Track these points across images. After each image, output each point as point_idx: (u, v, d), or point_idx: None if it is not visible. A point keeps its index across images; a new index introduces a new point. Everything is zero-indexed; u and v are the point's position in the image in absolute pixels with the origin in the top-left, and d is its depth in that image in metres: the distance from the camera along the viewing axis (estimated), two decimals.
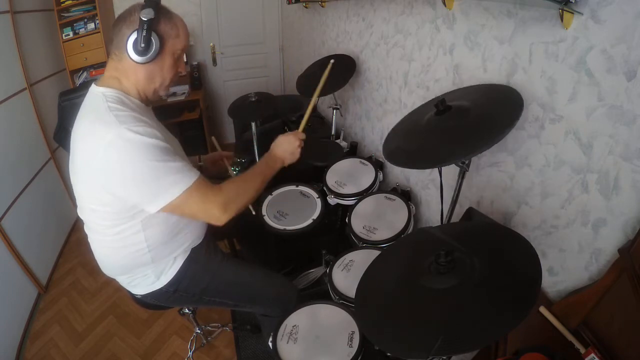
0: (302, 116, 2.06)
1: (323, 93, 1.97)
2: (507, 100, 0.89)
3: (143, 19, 0.87)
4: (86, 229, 1.05)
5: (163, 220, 1.00)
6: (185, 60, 1.37)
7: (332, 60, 1.52)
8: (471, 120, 0.88)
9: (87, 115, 0.92)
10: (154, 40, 0.90)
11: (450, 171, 1.04)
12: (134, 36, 0.89)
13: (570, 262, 0.93)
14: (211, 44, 3.27)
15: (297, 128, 1.24)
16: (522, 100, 0.85)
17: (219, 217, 0.97)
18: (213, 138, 1.52)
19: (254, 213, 1.34)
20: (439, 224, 1.17)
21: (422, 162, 0.99)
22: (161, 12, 0.92)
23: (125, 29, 0.91)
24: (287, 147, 1.15)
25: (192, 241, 1.11)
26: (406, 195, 1.52)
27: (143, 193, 0.89)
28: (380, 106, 1.78)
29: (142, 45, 0.88)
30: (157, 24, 0.90)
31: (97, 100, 0.90)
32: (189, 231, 1.09)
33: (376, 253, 0.98)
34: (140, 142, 0.85)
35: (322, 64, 1.91)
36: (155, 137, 0.88)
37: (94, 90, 0.93)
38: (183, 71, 1.03)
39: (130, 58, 0.90)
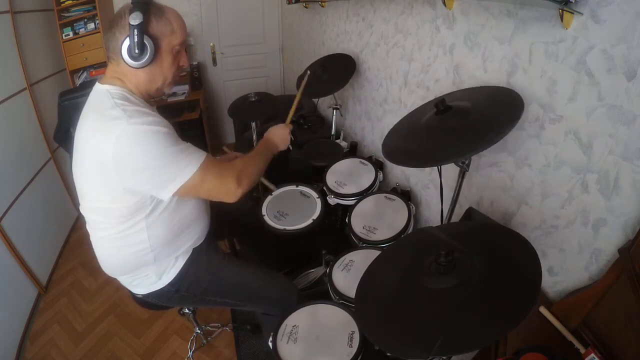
0: (302, 116, 2.09)
1: (317, 94, 1.99)
2: (508, 101, 0.89)
3: (132, 24, 0.84)
4: (88, 228, 1.04)
5: (167, 219, 1.00)
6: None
7: (308, 72, 1.63)
8: (471, 121, 0.88)
9: (92, 112, 0.91)
10: (148, 43, 0.88)
11: (450, 171, 1.04)
12: (126, 42, 0.87)
13: (570, 262, 0.93)
14: (211, 44, 3.27)
15: (297, 127, 1.25)
16: (522, 102, 0.85)
17: (235, 191, 0.98)
18: (224, 147, 1.52)
19: (274, 190, 1.41)
20: (439, 224, 1.17)
21: (422, 161, 0.99)
22: (151, 12, 0.89)
23: (118, 34, 0.89)
24: (281, 134, 1.27)
25: (193, 241, 1.11)
26: (406, 195, 1.52)
27: (155, 180, 0.89)
28: (380, 106, 1.78)
29: (136, 51, 0.87)
30: (148, 26, 0.88)
31: (102, 97, 0.89)
32: (191, 231, 1.09)
33: (376, 253, 0.98)
34: (150, 131, 0.85)
35: (322, 63, 1.91)
36: (163, 125, 0.89)
37: (99, 88, 0.93)
38: (186, 65, 1.01)
39: (127, 64, 0.89)
